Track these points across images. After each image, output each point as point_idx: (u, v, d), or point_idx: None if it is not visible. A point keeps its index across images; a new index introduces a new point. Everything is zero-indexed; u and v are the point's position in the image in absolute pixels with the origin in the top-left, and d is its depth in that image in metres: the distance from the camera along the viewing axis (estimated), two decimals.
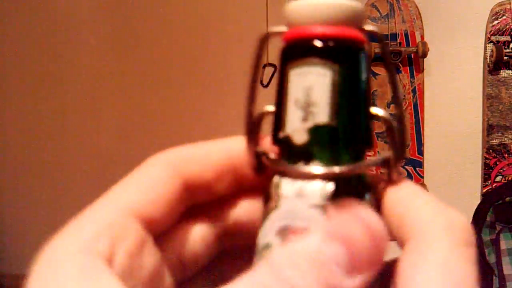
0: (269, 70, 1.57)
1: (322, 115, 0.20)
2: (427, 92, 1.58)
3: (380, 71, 1.58)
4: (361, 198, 0.21)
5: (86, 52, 1.76)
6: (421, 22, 1.56)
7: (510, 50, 1.52)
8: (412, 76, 1.57)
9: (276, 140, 0.22)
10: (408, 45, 1.55)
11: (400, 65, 1.56)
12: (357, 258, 0.16)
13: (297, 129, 0.21)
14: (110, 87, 1.76)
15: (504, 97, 1.55)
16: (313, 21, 0.21)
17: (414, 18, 1.56)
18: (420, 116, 1.57)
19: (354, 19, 0.22)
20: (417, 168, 1.58)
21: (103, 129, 1.76)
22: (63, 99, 1.79)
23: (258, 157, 0.22)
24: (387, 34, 1.56)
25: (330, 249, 0.16)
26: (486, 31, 1.56)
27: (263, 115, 0.23)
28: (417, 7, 1.56)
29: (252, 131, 0.23)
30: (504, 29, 1.54)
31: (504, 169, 1.56)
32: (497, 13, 1.54)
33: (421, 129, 1.57)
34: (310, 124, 0.20)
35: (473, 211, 1.47)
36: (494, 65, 1.54)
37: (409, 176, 1.58)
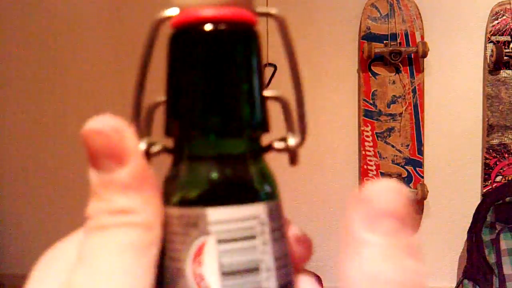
0: (269, 70, 1.58)
1: (216, 102, 0.20)
2: (427, 92, 1.58)
3: (380, 71, 1.58)
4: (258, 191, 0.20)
5: (86, 52, 1.76)
6: (421, 22, 1.56)
7: (510, 50, 1.52)
8: (412, 76, 1.57)
9: (168, 130, 0.21)
10: (408, 45, 1.55)
11: (400, 65, 1.56)
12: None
13: (190, 119, 0.20)
14: (110, 87, 1.76)
15: (504, 97, 1.56)
16: (202, 3, 0.20)
17: (414, 18, 1.56)
18: (420, 116, 1.57)
19: (245, 1, 0.20)
20: (417, 168, 1.58)
21: None
22: (63, 99, 1.79)
23: (148, 147, 0.21)
24: (387, 34, 1.56)
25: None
26: (486, 31, 1.56)
27: (155, 105, 0.22)
28: (417, 7, 1.56)
29: (142, 121, 0.22)
30: (504, 29, 1.54)
31: (504, 169, 1.56)
32: (497, 13, 1.54)
33: (421, 129, 1.57)
34: (203, 111, 0.20)
35: (473, 211, 1.47)
36: (494, 65, 1.54)
37: (409, 176, 1.58)
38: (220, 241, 0.18)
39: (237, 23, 0.20)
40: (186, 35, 0.20)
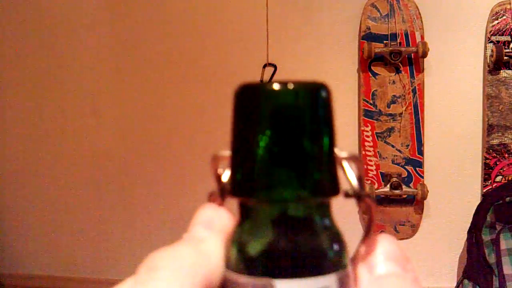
0: (269, 70, 1.58)
1: (285, 164, 0.18)
2: (427, 92, 1.58)
3: (380, 71, 1.58)
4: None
5: (86, 52, 1.76)
6: (421, 22, 1.56)
7: (510, 50, 1.52)
8: (412, 76, 1.57)
9: (234, 191, 0.19)
10: (408, 45, 1.55)
11: (400, 65, 1.56)
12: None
13: (256, 182, 0.19)
14: (110, 87, 1.76)
15: (504, 97, 1.55)
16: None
17: (414, 18, 1.56)
18: (420, 116, 1.57)
19: None
20: (417, 168, 1.58)
21: (103, 129, 1.76)
22: (63, 99, 1.79)
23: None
24: (387, 34, 1.56)
25: None
26: (486, 31, 1.56)
27: (216, 158, 0.21)
28: (417, 7, 1.56)
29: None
30: (504, 29, 1.54)
31: (504, 169, 1.56)
32: (497, 13, 1.54)
33: (421, 129, 1.57)
34: (270, 175, 0.18)
35: (473, 211, 1.47)
36: (494, 65, 1.54)
37: (409, 176, 1.58)
38: None
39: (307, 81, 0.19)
40: (253, 90, 0.19)
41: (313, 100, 0.19)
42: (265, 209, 0.19)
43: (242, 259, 0.19)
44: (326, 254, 0.19)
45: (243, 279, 0.18)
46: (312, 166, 0.18)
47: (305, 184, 0.18)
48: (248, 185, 0.19)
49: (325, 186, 0.19)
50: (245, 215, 0.19)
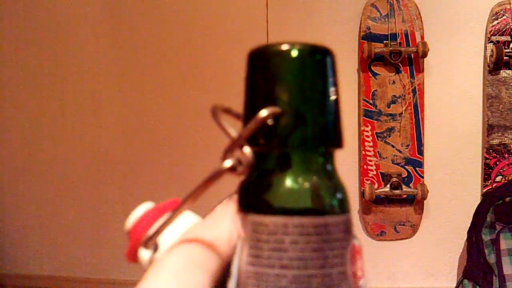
0: None
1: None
2: (427, 92, 1.58)
3: (380, 71, 1.58)
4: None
5: (86, 52, 1.76)
6: (421, 22, 1.56)
7: (510, 50, 1.52)
8: (412, 76, 1.57)
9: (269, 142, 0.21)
10: (408, 45, 1.55)
11: (400, 65, 1.56)
12: None
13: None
14: (110, 87, 1.76)
15: (504, 97, 1.55)
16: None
17: (414, 18, 1.56)
18: (420, 116, 1.57)
19: None
20: (417, 168, 1.58)
21: (103, 129, 1.76)
22: (63, 99, 1.79)
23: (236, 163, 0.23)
24: (387, 34, 1.56)
25: None
26: (486, 31, 1.56)
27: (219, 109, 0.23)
28: (417, 7, 1.56)
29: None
30: (504, 29, 1.54)
31: (504, 169, 1.56)
32: (497, 13, 1.54)
33: (421, 129, 1.57)
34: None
35: (473, 211, 1.47)
36: (494, 65, 1.54)
37: (409, 176, 1.58)
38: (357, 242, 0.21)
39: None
40: (267, 51, 0.22)
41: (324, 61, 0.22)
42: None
43: (328, 201, 0.22)
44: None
45: (336, 218, 0.21)
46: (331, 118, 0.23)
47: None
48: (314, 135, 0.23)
49: (336, 136, 0.23)
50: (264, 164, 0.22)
